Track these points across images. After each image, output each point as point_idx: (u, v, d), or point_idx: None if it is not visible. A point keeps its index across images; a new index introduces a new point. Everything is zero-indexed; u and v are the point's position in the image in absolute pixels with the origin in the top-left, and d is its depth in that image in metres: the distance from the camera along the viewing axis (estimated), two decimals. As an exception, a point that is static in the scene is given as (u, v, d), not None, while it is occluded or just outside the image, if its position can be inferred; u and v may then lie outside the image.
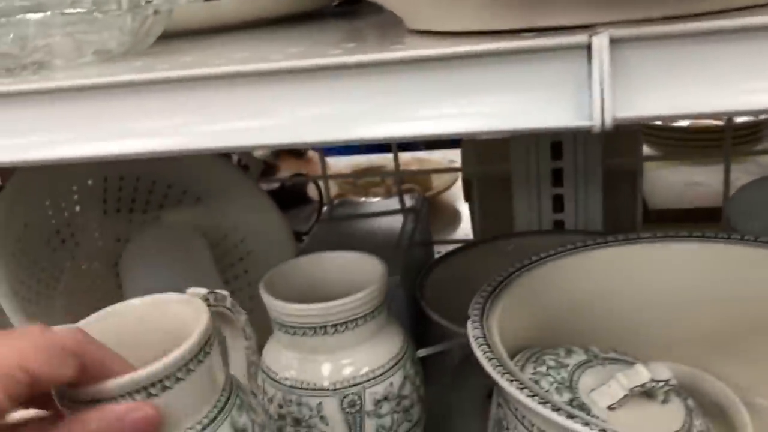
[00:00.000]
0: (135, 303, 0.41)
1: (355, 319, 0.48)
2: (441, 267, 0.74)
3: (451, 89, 0.29)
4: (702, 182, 0.98)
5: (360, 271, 0.52)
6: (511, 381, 0.34)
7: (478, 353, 0.37)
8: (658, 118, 0.27)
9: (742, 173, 1.00)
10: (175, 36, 0.49)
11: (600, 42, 0.27)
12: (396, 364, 0.49)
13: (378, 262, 0.51)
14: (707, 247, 0.52)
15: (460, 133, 0.29)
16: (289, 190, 1.05)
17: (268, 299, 0.48)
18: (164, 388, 0.34)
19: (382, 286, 0.49)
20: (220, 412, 0.37)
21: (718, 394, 0.50)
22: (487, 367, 0.36)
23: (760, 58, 0.26)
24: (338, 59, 0.28)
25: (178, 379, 0.34)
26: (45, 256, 0.70)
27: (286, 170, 1.17)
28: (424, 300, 0.66)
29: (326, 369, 0.48)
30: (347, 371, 0.48)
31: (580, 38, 0.27)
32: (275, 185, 1.03)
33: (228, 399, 0.38)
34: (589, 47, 0.27)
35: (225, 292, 0.42)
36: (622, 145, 0.80)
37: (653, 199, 0.94)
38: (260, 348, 0.71)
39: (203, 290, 0.41)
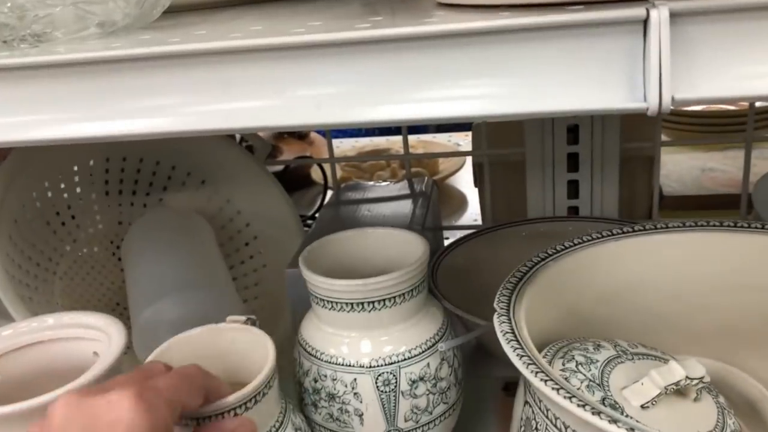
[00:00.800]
0: (194, 332, 0.47)
1: (393, 297, 0.47)
2: (453, 254, 0.72)
3: (490, 67, 0.27)
4: (717, 168, 0.96)
5: (400, 247, 0.51)
6: (546, 381, 0.32)
7: (508, 350, 0.35)
8: (722, 100, 0.25)
9: (757, 158, 0.98)
10: (183, 10, 0.46)
11: (659, 16, 0.25)
12: (434, 345, 0.48)
13: (420, 239, 0.50)
14: (736, 237, 0.50)
15: (499, 115, 0.27)
16: (292, 173, 1.03)
17: (306, 274, 0.48)
18: (255, 402, 0.42)
19: (422, 264, 0.48)
20: (284, 416, 0.45)
21: (748, 389, 0.48)
22: (519, 365, 0.34)
23: None
24: (371, 33, 0.26)
25: (264, 394, 0.42)
26: (43, 239, 0.68)
27: (289, 152, 1.14)
28: (438, 288, 0.64)
29: (362, 346, 0.47)
30: (383, 350, 0.47)
31: (636, 11, 0.25)
32: (278, 168, 1.00)
33: (287, 404, 0.46)
34: (645, 22, 0.25)
35: (254, 317, 0.49)
36: (640, 130, 0.77)
37: (668, 185, 0.92)
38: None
39: (243, 317, 0.48)
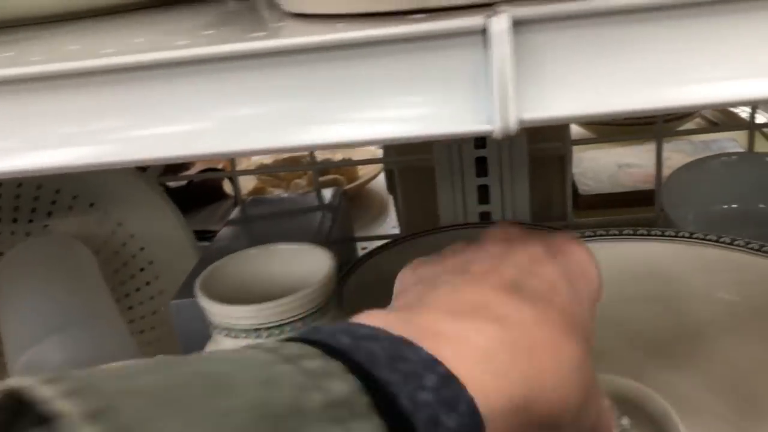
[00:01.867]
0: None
1: (294, 321, 0.42)
2: (363, 267, 0.69)
3: (317, 88, 0.23)
4: (634, 163, 0.95)
5: (310, 265, 0.46)
6: None
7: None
8: (576, 118, 0.22)
9: (674, 152, 0.97)
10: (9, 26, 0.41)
11: (499, 25, 0.21)
12: None
13: (327, 255, 0.46)
14: (644, 246, 0.48)
15: (324, 144, 0.23)
16: (199, 186, 0.98)
17: (201, 299, 0.43)
18: None
19: (326, 284, 0.43)
20: None
21: (653, 407, 0.46)
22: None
23: (701, 42, 0.21)
24: (154, 56, 0.22)
25: None
26: None
27: (201, 163, 1.09)
28: (346, 306, 0.60)
29: None
30: None
31: (473, 21, 0.21)
32: (186, 182, 0.95)
33: None
34: (484, 31, 0.21)
35: None
36: (549, 129, 0.75)
37: (584, 183, 0.90)
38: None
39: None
